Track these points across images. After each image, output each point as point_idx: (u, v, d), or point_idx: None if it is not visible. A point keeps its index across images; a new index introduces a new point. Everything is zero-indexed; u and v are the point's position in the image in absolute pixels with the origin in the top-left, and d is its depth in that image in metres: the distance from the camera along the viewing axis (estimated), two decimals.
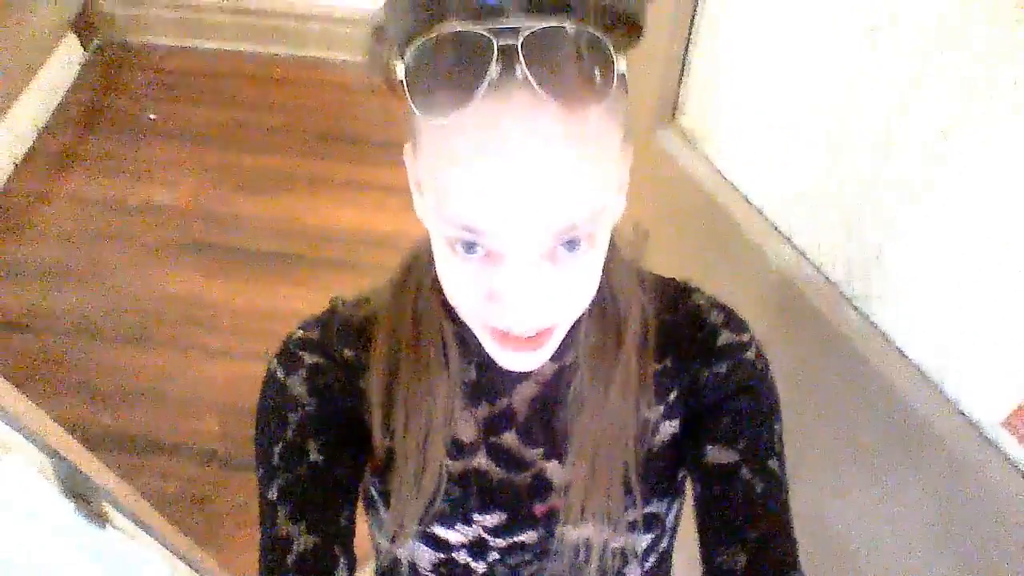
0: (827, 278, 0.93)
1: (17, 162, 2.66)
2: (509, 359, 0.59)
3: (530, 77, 0.45)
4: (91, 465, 1.07)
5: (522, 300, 0.52)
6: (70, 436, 1.04)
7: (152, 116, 2.83)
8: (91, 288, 2.40)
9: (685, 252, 1.13)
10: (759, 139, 0.98)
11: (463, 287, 0.55)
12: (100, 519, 1.07)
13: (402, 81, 0.48)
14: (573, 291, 0.55)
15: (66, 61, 2.90)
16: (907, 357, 0.86)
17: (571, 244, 0.51)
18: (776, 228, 0.99)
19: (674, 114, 1.11)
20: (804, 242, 0.95)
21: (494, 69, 0.45)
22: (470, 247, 0.51)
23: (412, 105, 0.48)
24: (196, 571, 1.37)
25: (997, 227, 0.72)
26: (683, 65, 1.07)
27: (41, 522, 1.02)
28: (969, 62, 0.69)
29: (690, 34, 1.03)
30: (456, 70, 0.46)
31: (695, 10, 1.01)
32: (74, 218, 2.57)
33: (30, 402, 0.95)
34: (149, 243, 2.51)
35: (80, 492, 1.03)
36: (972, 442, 0.80)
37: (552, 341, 0.58)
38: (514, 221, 0.48)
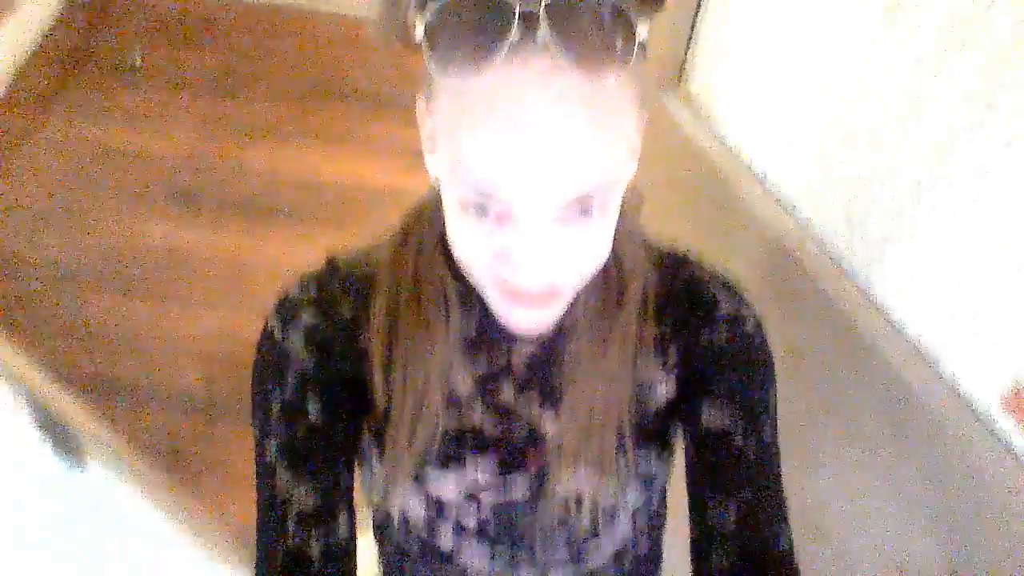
0: (827, 251, 0.92)
1: None
2: (517, 318, 0.59)
3: (551, 42, 0.45)
4: (70, 406, 1.05)
5: (534, 260, 0.52)
6: (49, 377, 1.02)
7: (139, 60, 2.77)
8: (72, 234, 2.35)
9: (684, 217, 1.13)
10: (764, 108, 0.97)
11: (474, 246, 0.55)
12: (79, 461, 1.05)
13: (420, 37, 0.47)
14: (584, 255, 0.56)
15: None
16: (905, 333, 0.86)
17: (584, 210, 0.51)
18: (777, 199, 0.98)
19: (680, 79, 1.09)
20: (805, 214, 0.95)
21: (515, 32, 0.45)
22: (483, 209, 0.51)
23: (431, 63, 0.48)
24: (175, 516, 1.36)
25: (1000, 209, 0.72)
26: (691, 30, 1.05)
27: (18, 462, 1.00)
28: (985, 57, 0.68)
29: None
30: (477, 31, 0.46)
31: None
32: (55, 162, 2.51)
33: (8, 341, 0.93)
34: (133, 191, 2.46)
35: (59, 433, 1.01)
36: (967, 422, 0.80)
37: (560, 302, 0.59)
38: (529, 186, 0.48)
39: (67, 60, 2.77)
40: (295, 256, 2.50)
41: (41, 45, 2.77)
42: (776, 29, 0.92)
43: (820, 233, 0.93)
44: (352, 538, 0.63)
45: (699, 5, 1.02)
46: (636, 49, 0.48)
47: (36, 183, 2.46)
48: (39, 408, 0.99)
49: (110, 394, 2.05)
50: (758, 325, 0.70)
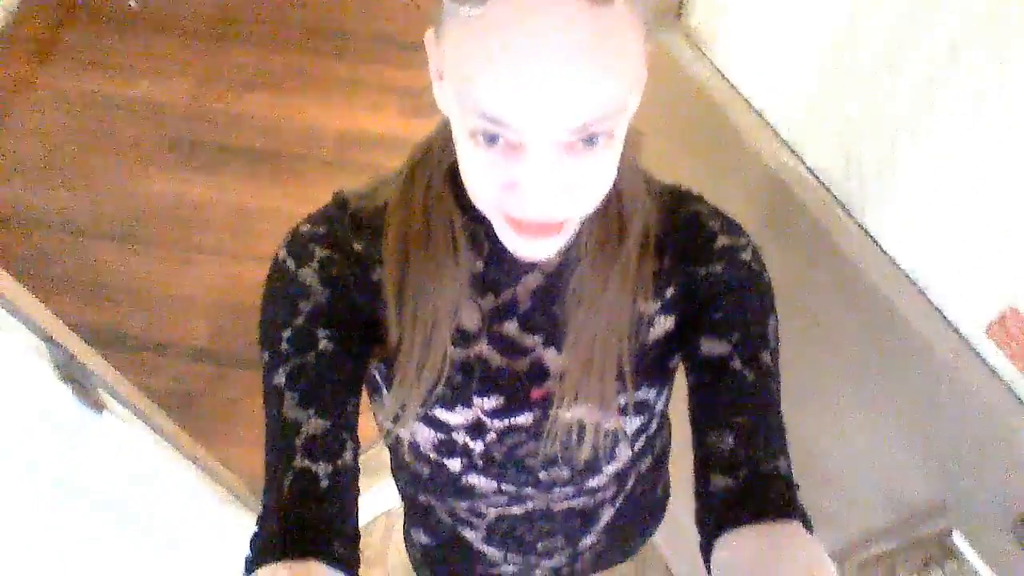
0: (822, 183, 0.93)
1: None
2: (524, 246, 0.60)
3: None
4: (86, 353, 1.08)
5: (541, 191, 0.53)
6: (63, 324, 1.04)
7: (134, 5, 2.73)
8: (74, 184, 2.36)
9: (683, 152, 1.13)
10: (763, 43, 0.97)
11: (483, 176, 0.56)
12: (96, 405, 1.08)
13: None
14: (590, 184, 0.57)
15: None
16: (896, 263, 0.87)
17: (590, 139, 0.52)
18: (776, 133, 0.98)
19: (679, 13, 1.08)
20: (803, 148, 0.95)
21: None
22: (492, 138, 0.52)
23: None
24: (190, 460, 1.40)
25: (989, 143, 0.72)
26: None
27: (41, 407, 1.03)
28: None
29: None
30: None
31: None
32: (53, 114, 2.50)
33: (24, 288, 0.95)
34: (134, 140, 2.46)
35: (76, 378, 1.04)
36: (954, 347, 0.82)
37: (566, 230, 0.60)
38: (537, 114, 0.49)
39: (60, 8, 2.73)
40: (296, 203, 2.49)
41: None
42: None
43: (816, 166, 0.94)
44: (356, 466, 0.64)
45: None
46: None
47: (35, 136, 2.46)
48: (60, 357, 1.02)
49: (119, 343, 2.09)
50: (755, 255, 0.71)
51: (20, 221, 2.28)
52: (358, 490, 0.65)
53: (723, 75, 1.03)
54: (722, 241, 0.71)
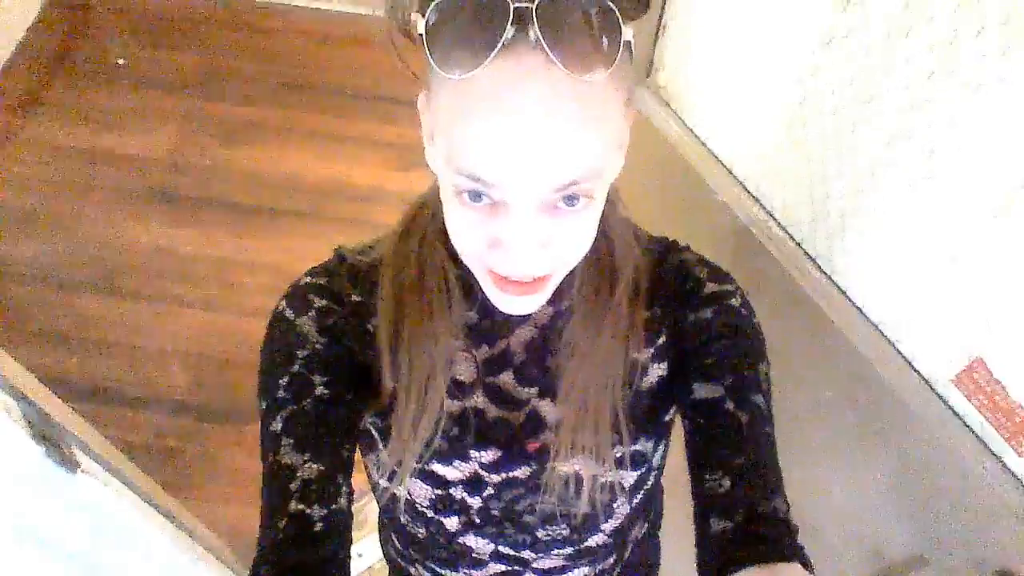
0: (792, 237, 0.95)
1: None
2: (507, 302, 0.62)
3: (542, 40, 0.48)
4: (60, 410, 1.07)
5: (523, 248, 0.55)
6: (37, 380, 1.03)
7: (120, 61, 2.76)
8: (56, 236, 2.35)
9: (656, 206, 1.15)
10: (731, 99, 0.99)
11: (468, 233, 0.58)
12: (70, 464, 1.07)
13: (422, 35, 0.51)
14: (570, 243, 0.58)
15: None
16: (866, 316, 0.88)
17: (570, 199, 0.54)
18: (744, 187, 1.00)
19: (649, 72, 1.11)
20: (771, 202, 0.97)
21: (509, 30, 0.48)
22: (476, 196, 0.54)
23: (430, 59, 0.51)
24: (166, 517, 1.38)
25: (949, 190, 0.74)
26: (659, 24, 1.07)
27: (9, 465, 1.02)
28: (933, 39, 0.71)
29: None
30: (474, 29, 0.49)
31: None
32: (39, 164, 2.51)
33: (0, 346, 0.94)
34: (117, 191, 2.46)
35: (48, 436, 1.03)
36: (925, 399, 0.83)
37: (548, 287, 0.61)
38: (519, 174, 0.51)
39: (48, 61, 2.76)
40: (277, 254, 2.48)
41: (22, 46, 2.76)
42: (738, 22, 0.95)
43: (784, 218, 0.96)
44: (350, 512, 0.65)
45: (665, 0, 1.04)
46: (621, 48, 0.51)
47: (19, 185, 2.46)
48: (31, 413, 1.01)
49: (99, 396, 2.06)
50: (744, 301, 0.72)
51: None
52: (351, 536, 0.65)
53: (692, 131, 1.06)
54: (710, 288, 0.72)
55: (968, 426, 0.80)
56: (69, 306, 2.22)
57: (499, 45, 0.48)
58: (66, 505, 1.14)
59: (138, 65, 2.77)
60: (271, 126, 2.65)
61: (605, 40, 0.50)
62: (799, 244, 0.94)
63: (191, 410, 2.06)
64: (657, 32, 1.08)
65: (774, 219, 0.97)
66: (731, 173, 1.02)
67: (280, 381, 0.66)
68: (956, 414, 0.81)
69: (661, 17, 1.06)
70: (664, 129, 1.08)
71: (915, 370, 0.84)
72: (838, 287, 0.91)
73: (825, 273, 0.92)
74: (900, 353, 0.86)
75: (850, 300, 0.90)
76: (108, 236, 2.36)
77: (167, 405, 2.07)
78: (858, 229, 0.86)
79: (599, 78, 0.50)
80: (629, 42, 0.53)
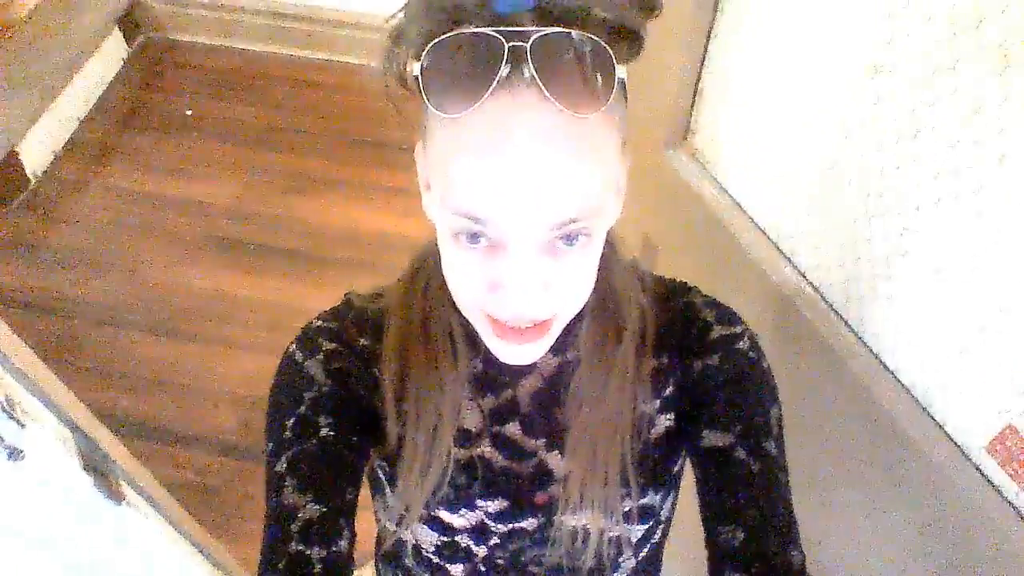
0: (825, 300, 0.95)
1: (58, 152, 2.75)
2: (507, 351, 0.62)
3: (536, 77, 0.49)
4: (110, 443, 1.12)
5: (522, 288, 0.55)
6: (91, 413, 1.09)
7: (188, 112, 2.91)
8: (119, 278, 2.46)
9: (691, 267, 1.16)
10: (766, 162, 1.01)
11: (466, 277, 0.58)
12: (116, 496, 1.11)
13: (417, 78, 0.52)
14: (570, 284, 0.59)
15: (111, 56, 3.00)
16: (898, 380, 0.88)
17: (569, 239, 0.55)
18: (779, 249, 1.01)
19: (686, 135, 1.14)
20: (805, 264, 0.98)
21: (504, 69, 0.49)
22: (474, 237, 0.55)
23: (426, 101, 0.53)
24: (206, 556, 1.41)
25: (980, 253, 0.75)
26: (696, 87, 1.10)
27: (59, 492, 1.06)
28: (961, 107, 0.72)
29: (704, 57, 1.07)
30: (469, 68, 0.50)
31: (709, 33, 1.04)
32: (108, 209, 2.64)
33: (55, 376, 1.00)
34: (178, 237, 2.57)
35: (99, 468, 1.07)
36: (956, 465, 0.81)
37: (549, 335, 0.61)
38: (516, 210, 0.52)
39: (124, 115, 2.93)
40: (332, 300, 2.55)
41: (101, 101, 2.94)
42: (771, 87, 0.97)
43: (817, 280, 0.96)
44: (351, 556, 0.64)
45: (703, 63, 1.08)
46: (615, 88, 0.52)
47: (90, 229, 2.58)
48: (85, 444, 1.05)
49: (147, 433, 2.12)
50: (753, 343, 0.71)
51: (61, 311, 2.36)
52: None
53: (727, 192, 1.08)
54: (717, 332, 0.71)
55: (1002, 493, 0.78)
56: (126, 345, 2.30)
57: (495, 82, 0.49)
58: (110, 535, 1.18)
59: (205, 118, 2.92)
60: (330, 178, 2.75)
61: (599, 78, 0.51)
62: (831, 306, 0.95)
63: (236, 451, 2.10)
64: (694, 96, 1.11)
65: (807, 280, 0.97)
66: (765, 234, 1.03)
67: (286, 422, 0.67)
68: (990, 481, 0.79)
69: (698, 82, 1.09)
70: (700, 191, 1.10)
71: (947, 434, 0.83)
72: (871, 350, 0.90)
73: (858, 336, 0.92)
74: (932, 417, 0.85)
75: (883, 364, 0.89)
76: (170, 280, 2.46)
77: (213, 445, 2.11)
78: (890, 293, 0.86)
79: (594, 116, 0.51)
80: (623, 81, 0.54)
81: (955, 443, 0.83)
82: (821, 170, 0.91)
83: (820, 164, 0.91)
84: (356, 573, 0.67)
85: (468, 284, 0.59)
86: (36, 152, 2.66)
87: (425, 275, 0.71)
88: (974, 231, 0.74)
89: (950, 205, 0.76)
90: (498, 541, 0.75)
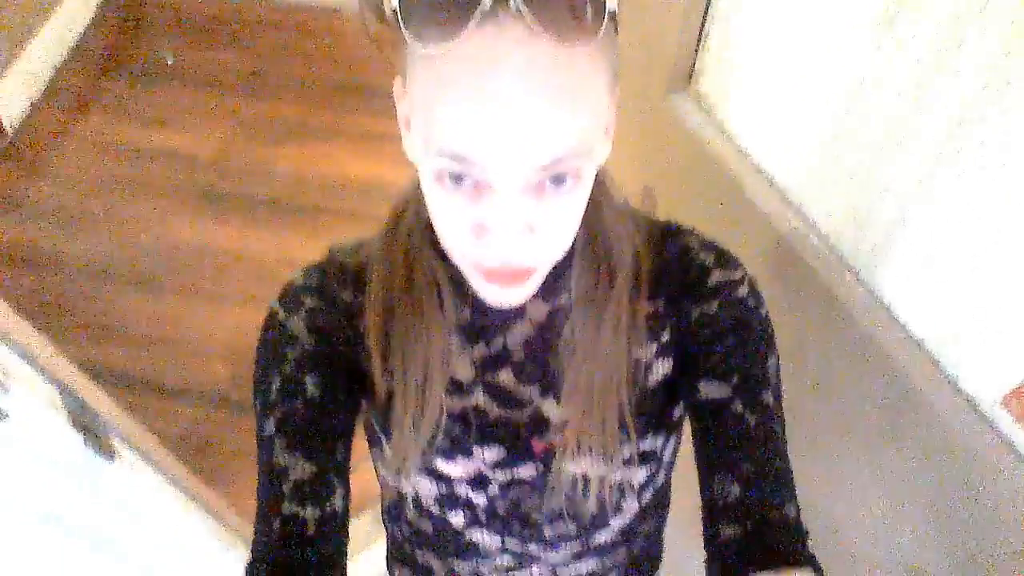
0: (833, 249, 0.93)
1: (33, 101, 2.67)
2: (494, 294, 0.60)
3: (523, 9, 0.46)
4: (99, 400, 1.09)
5: (508, 232, 0.53)
6: (79, 371, 1.06)
7: (170, 60, 2.83)
8: (104, 232, 2.42)
9: (694, 215, 1.13)
10: (773, 108, 0.98)
11: (451, 221, 0.56)
12: (108, 452, 1.09)
13: (395, 10, 0.49)
14: (556, 227, 0.56)
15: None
16: (908, 331, 0.86)
17: (557, 179, 0.52)
18: (785, 196, 0.99)
19: (689, 80, 1.10)
20: (812, 212, 0.95)
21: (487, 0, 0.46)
22: (458, 179, 0.52)
23: (405, 34, 0.49)
24: (202, 507, 1.40)
25: (1002, 205, 0.72)
26: (701, 31, 1.06)
27: (52, 453, 1.04)
28: (986, 50, 0.68)
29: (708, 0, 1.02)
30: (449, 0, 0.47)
31: None
32: (90, 161, 2.58)
33: (40, 335, 0.97)
34: (164, 189, 2.52)
35: (88, 425, 1.05)
36: (968, 419, 0.80)
37: (536, 277, 0.59)
38: (502, 150, 0.49)
39: (102, 61, 2.84)
40: (321, 251, 2.53)
41: (77, 47, 2.84)
42: (781, 30, 0.93)
43: (826, 230, 0.94)
44: (346, 513, 0.64)
45: (708, 6, 1.03)
46: (606, 19, 0.49)
47: (71, 182, 2.53)
48: (72, 403, 1.03)
49: (140, 387, 2.11)
50: (752, 289, 0.69)
51: (47, 265, 2.33)
52: (347, 536, 0.64)
53: (733, 139, 1.05)
54: (716, 277, 0.68)
55: (1016, 449, 0.77)
56: (113, 300, 2.28)
57: (477, 13, 0.46)
58: (103, 492, 1.16)
59: (188, 65, 2.84)
60: (317, 126, 2.69)
61: (589, 9, 0.48)
62: (840, 256, 0.92)
63: (229, 403, 2.09)
64: (699, 39, 1.06)
65: (815, 230, 0.95)
66: (772, 183, 1.00)
67: (272, 382, 0.66)
68: (1003, 437, 0.78)
69: (703, 24, 1.05)
70: (704, 138, 1.06)
71: (959, 389, 0.82)
72: (881, 301, 0.88)
73: (867, 287, 0.90)
74: (943, 371, 0.83)
75: (893, 315, 0.87)
76: (154, 231, 2.42)
77: (206, 398, 2.11)
78: (903, 241, 0.83)
79: (583, 49, 0.48)
80: (614, 13, 0.51)
81: (967, 397, 0.81)
82: (834, 117, 0.88)
83: (833, 111, 0.88)
84: (352, 523, 0.67)
85: (454, 228, 0.56)
86: (12, 101, 2.58)
87: (407, 222, 0.69)
88: (999, 178, 0.71)
89: (973, 152, 0.73)
90: (497, 490, 0.75)
